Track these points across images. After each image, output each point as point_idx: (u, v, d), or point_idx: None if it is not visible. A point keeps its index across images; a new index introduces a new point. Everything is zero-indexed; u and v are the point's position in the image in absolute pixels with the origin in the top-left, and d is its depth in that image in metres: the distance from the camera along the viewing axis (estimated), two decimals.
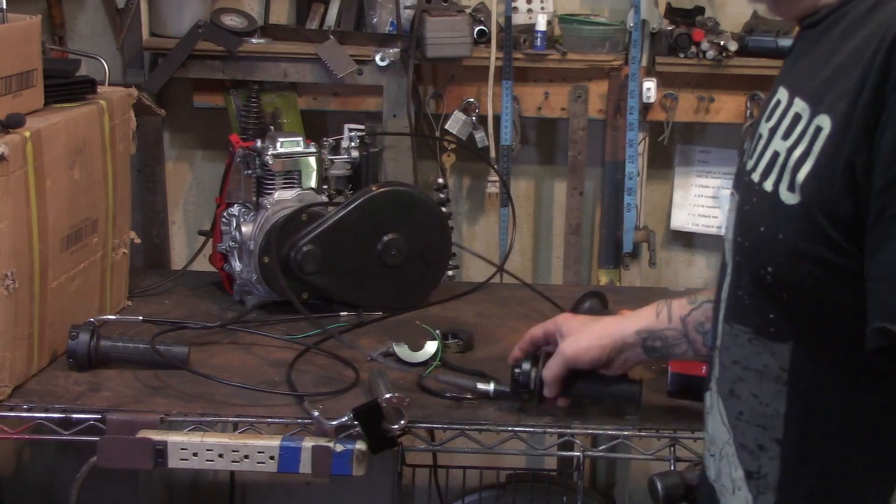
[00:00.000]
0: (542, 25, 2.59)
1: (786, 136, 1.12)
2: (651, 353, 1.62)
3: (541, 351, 1.76)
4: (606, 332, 1.63)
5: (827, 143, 1.05)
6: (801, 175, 1.07)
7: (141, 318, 2.04)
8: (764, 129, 1.18)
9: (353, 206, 2.13)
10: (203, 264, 2.41)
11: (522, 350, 1.75)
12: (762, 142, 1.17)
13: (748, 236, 1.14)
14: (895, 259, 0.99)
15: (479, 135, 2.66)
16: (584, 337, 1.64)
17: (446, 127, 2.65)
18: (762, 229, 1.11)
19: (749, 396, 1.18)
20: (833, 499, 1.14)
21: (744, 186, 1.18)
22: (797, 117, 1.11)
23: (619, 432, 1.74)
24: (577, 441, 1.77)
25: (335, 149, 2.28)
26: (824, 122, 1.06)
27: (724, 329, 1.22)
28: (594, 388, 1.72)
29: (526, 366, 1.73)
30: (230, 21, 2.61)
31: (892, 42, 1.00)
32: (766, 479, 1.17)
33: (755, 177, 1.15)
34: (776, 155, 1.12)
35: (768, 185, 1.12)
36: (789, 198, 1.08)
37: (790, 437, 1.15)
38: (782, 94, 1.17)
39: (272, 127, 2.56)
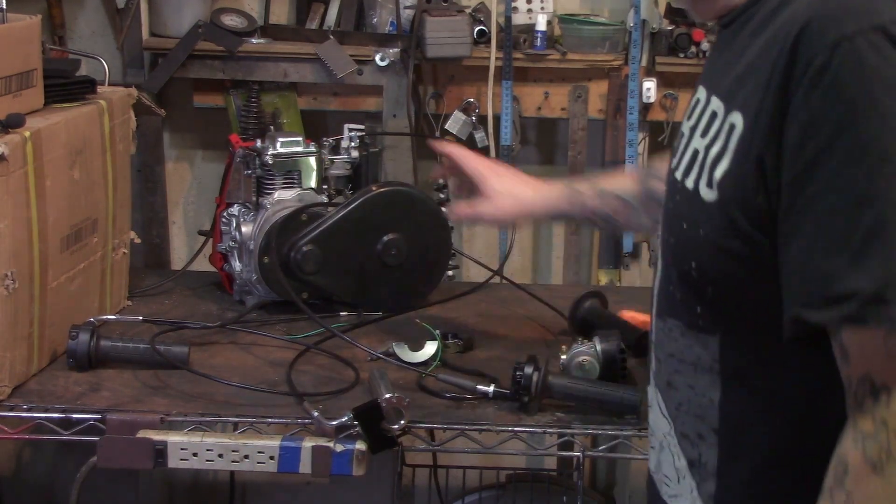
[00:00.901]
0: (542, 25, 2.59)
1: (704, 134, 1.16)
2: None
3: (541, 355, 1.78)
4: (526, 211, 1.80)
5: (740, 140, 1.09)
6: (719, 172, 1.11)
7: (141, 318, 2.04)
8: (686, 127, 1.22)
9: (353, 206, 2.13)
10: (203, 264, 2.41)
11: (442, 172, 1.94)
12: (684, 140, 1.21)
13: (673, 233, 1.18)
14: (804, 251, 1.03)
15: (479, 135, 2.66)
16: (505, 209, 1.79)
17: (446, 127, 2.65)
18: (685, 226, 1.15)
19: (686, 387, 1.21)
20: (769, 484, 1.17)
21: (669, 185, 1.22)
22: (714, 115, 1.15)
23: (619, 432, 1.74)
24: (577, 441, 1.77)
25: (335, 149, 2.28)
26: (737, 119, 1.10)
27: (658, 324, 1.26)
28: (595, 394, 1.73)
29: (528, 369, 1.74)
30: (230, 21, 2.61)
31: (795, 40, 1.02)
32: (707, 467, 1.21)
33: (678, 175, 1.19)
34: (696, 153, 1.16)
35: (689, 183, 1.15)
36: (708, 194, 1.12)
37: (725, 425, 1.18)
38: (701, 93, 1.21)
39: (272, 127, 2.56)
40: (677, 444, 1.24)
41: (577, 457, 1.79)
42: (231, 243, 2.20)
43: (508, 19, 2.60)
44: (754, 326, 1.13)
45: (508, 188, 1.78)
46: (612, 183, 1.75)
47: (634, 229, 1.77)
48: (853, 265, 1.00)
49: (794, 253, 1.04)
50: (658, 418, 1.28)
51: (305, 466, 1.66)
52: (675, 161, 1.21)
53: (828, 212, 1.01)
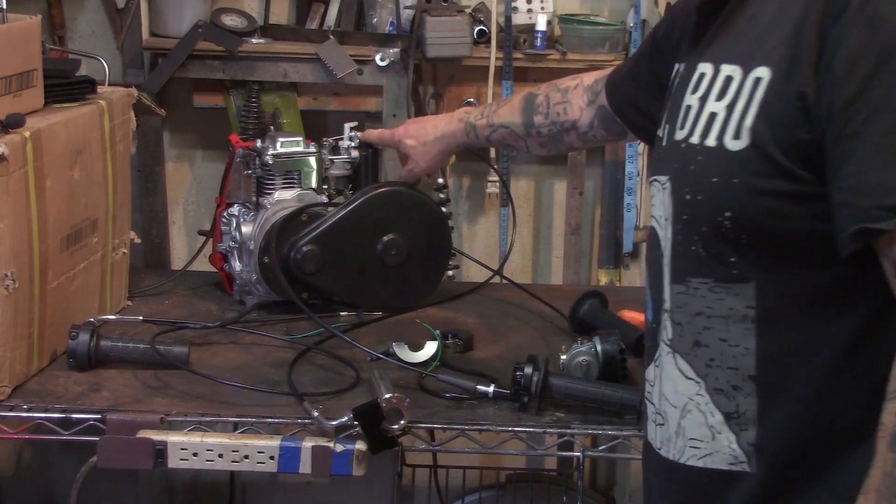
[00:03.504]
0: (542, 25, 2.59)
1: (720, 97, 1.22)
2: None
3: (541, 355, 1.78)
4: (440, 154, 2.08)
5: (770, 86, 1.16)
6: (748, 120, 1.17)
7: (141, 318, 2.04)
8: (691, 100, 1.27)
9: (353, 206, 2.13)
10: (203, 264, 2.41)
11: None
12: (693, 111, 1.26)
13: (699, 191, 1.23)
14: (860, 171, 1.09)
15: None
16: (426, 159, 2.09)
17: None
18: (714, 180, 1.20)
19: (717, 342, 1.25)
20: (811, 423, 1.21)
21: (679, 153, 1.26)
22: (728, 79, 1.22)
23: (619, 432, 1.74)
24: (577, 441, 1.77)
25: (335, 149, 2.28)
26: (762, 72, 1.18)
27: (675, 290, 1.29)
28: (595, 394, 1.74)
29: (528, 369, 1.74)
30: (230, 21, 2.61)
31: None
32: (745, 416, 1.24)
33: (694, 140, 1.24)
34: (713, 115, 1.22)
35: (711, 142, 1.21)
36: (735, 145, 1.18)
37: (763, 371, 1.23)
38: (704, 67, 1.27)
39: (272, 127, 2.56)
40: (710, 401, 1.27)
41: (577, 457, 1.79)
42: (231, 243, 2.20)
43: (508, 19, 2.60)
44: (790, 265, 1.19)
45: (420, 140, 2.07)
46: (500, 115, 1.96)
47: (523, 152, 2.06)
48: None
49: (850, 173, 1.09)
50: (679, 383, 1.30)
51: (305, 466, 1.66)
52: (683, 132, 1.26)
53: (881, 132, 1.08)
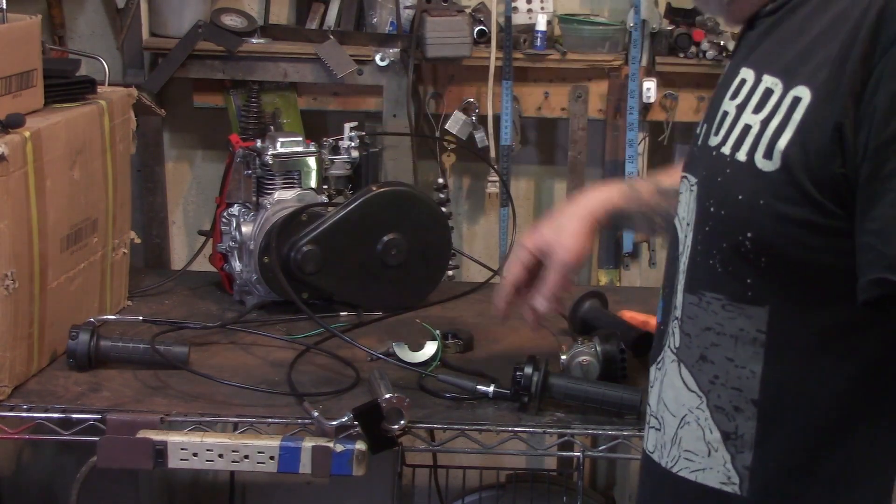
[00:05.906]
0: (542, 25, 2.59)
1: (757, 110, 1.16)
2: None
3: (541, 355, 1.78)
4: (584, 232, 1.62)
5: (809, 110, 1.10)
6: (782, 142, 1.11)
7: (141, 318, 2.04)
8: (729, 106, 1.21)
9: (353, 206, 2.13)
10: (203, 264, 2.41)
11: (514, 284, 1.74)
12: (729, 118, 1.21)
13: (724, 205, 1.18)
14: (891, 212, 1.04)
15: (479, 135, 2.66)
16: (571, 243, 1.62)
17: (446, 127, 2.65)
18: (740, 197, 1.15)
19: (723, 360, 1.21)
20: (808, 455, 1.19)
21: (710, 160, 1.21)
22: (768, 92, 1.16)
23: (619, 432, 1.74)
24: (577, 441, 1.77)
25: (335, 149, 2.28)
26: (802, 92, 1.11)
27: (687, 299, 1.25)
28: (595, 394, 1.74)
29: (528, 369, 1.74)
30: (230, 21, 2.61)
31: (878, 16, 1.05)
32: (743, 439, 1.22)
33: (725, 150, 1.19)
34: (748, 127, 1.16)
35: (741, 156, 1.16)
36: (766, 165, 1.12)
37: (766, 397, 1.19)
38: (746, 73, 1.21)
39: (272, 127, 2.56)
40: (709, 417, 1.24)
41: (577, 457, 1.79)
42: (231, 243, 2.20)
43: (508, 19, 2.60)
44: (808, 296, 1.15)
45: (557, 225, 1.65)
46: (668, 181, 1.61)
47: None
48: None
49: (879, 215, 1.05)
50: (681, 394, 1.27)
51: (305, 466, 1.66)
52: (716, 139, 1.21)
53: None
